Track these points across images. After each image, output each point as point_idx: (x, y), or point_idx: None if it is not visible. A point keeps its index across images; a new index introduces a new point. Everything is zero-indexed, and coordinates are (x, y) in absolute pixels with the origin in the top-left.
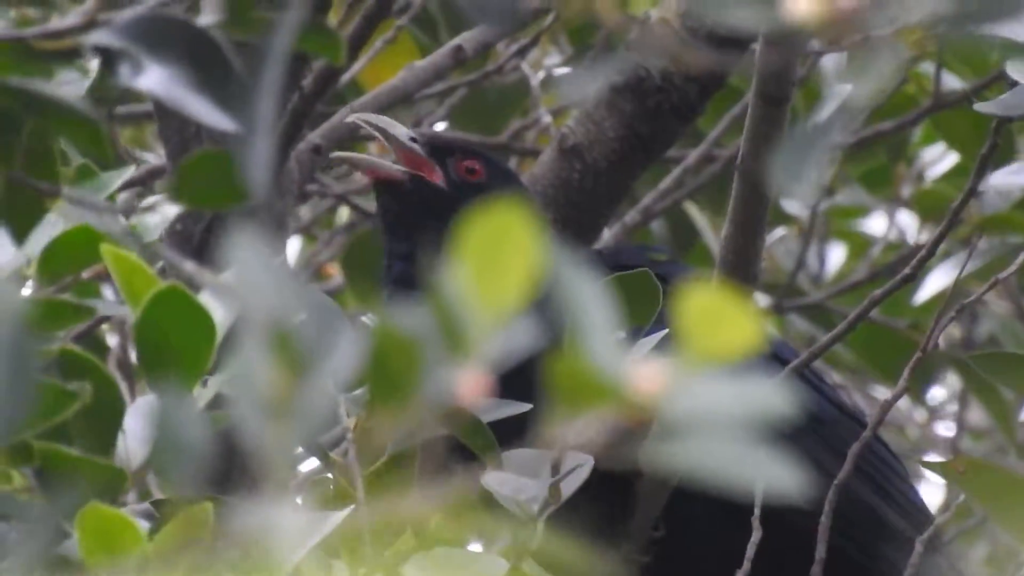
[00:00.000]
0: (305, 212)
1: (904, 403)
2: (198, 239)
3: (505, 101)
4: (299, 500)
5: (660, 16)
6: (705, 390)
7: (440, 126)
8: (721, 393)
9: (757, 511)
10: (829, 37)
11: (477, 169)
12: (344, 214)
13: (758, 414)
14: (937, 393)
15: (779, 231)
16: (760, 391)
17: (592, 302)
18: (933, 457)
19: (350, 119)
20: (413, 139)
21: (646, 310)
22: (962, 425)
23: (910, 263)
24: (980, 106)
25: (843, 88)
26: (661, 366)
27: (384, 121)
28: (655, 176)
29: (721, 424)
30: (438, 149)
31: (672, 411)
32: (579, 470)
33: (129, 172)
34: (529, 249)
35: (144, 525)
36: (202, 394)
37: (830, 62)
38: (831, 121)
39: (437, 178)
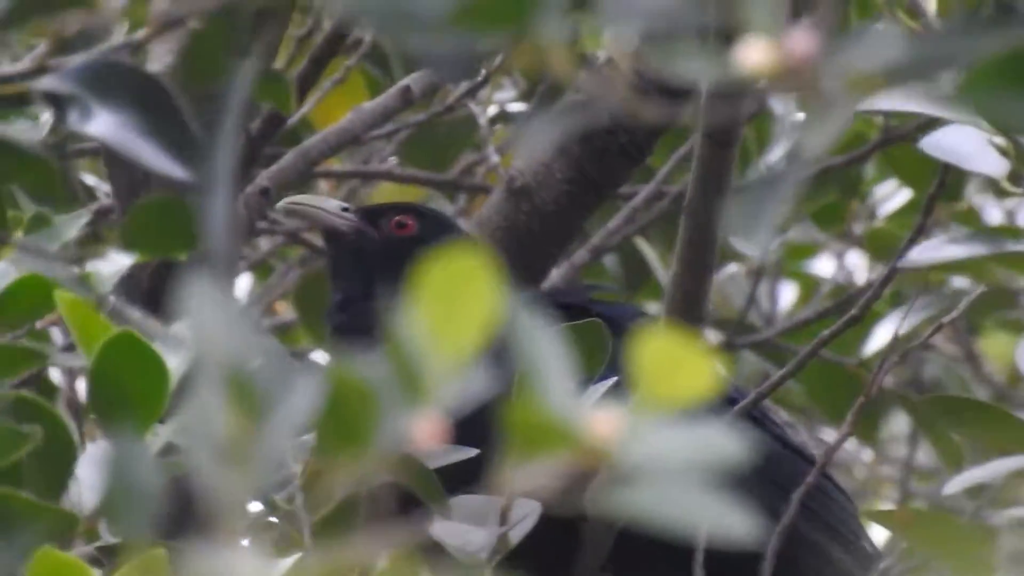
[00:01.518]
0: (259, 248)
1: (852, 443)
2: (147, 284)
3: (455, 137)
4: (246, 545)
5: (610, 63)
6: (659, 436)
7: (391, 162)
8: (674, 439)
9: (700, 555)
10: (781, 87)
11: (408, 223)
12: (296, 251)
13: (710, 460)
14: (887, 434)
15: (730, 268)
16: (713, 437)
17: (546, 347)
18: (880, 505)
19: (279, 207)
20: (345, 209)
21: (596, 358)
22: (911, 466)
23: (857, 302)
24: (925, 144)
25: (794, 132)
26: (616, 412)
27: (313, 201)
28: (605, 214)
29: (674, 470)
30: (370, 213)
31: (626, 457)
32: (527, 518)
33: (83, 220)
34: (486, 295)
35: (95, 572)
36: (155, 440)
37: (779, 101)
38: (784, 171)
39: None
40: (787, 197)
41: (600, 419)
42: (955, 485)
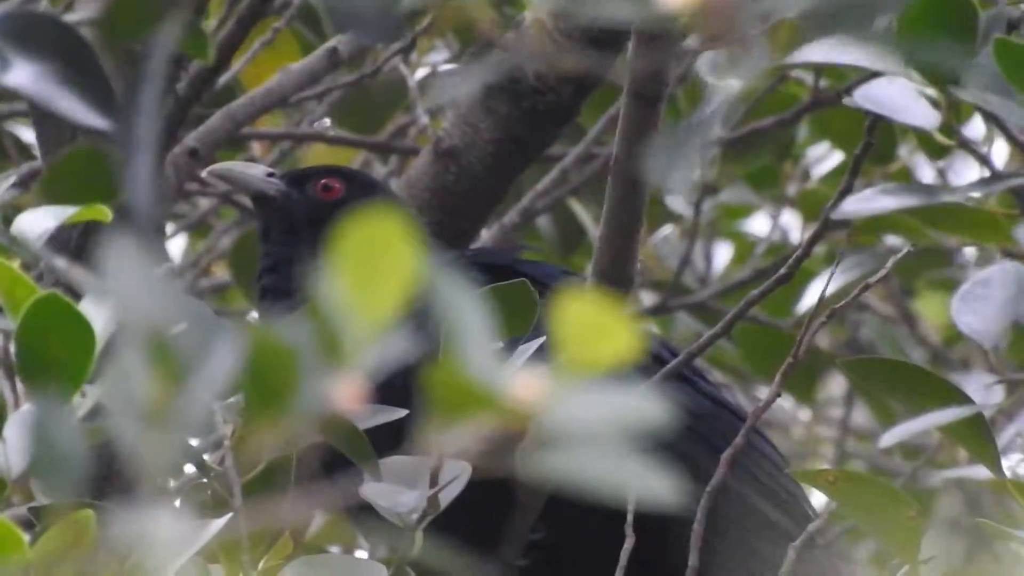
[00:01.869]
0: (198, 208)
1: (789, 403)
2: (75, 243)
3: (386, 99)
4: (177, 506)
5: (534, 18)
6: (581, 399)
7: (324, 123)
8: (597, 402)
9: (630, 518)
10: (702, 30)
11: (335, 186)
12: (231, 213)
13: (634, 422)
14: (823, 395)
15: (664, 229)
16: (636, 400)
17: (468, 310)
18: (817, 466)
19: (204, 175)
20: (271, 174)
21: (522, 319)
22: (847, 427)
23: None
24: (849, 101)
25: (717, 85)
26: (538, 375)
27: (238, 167)
28: (535, 175)
29: (597, 433)
30: (297, 177)
31: (549, 420)
32: (457, 479)
33: (8, 182)
34: (405, 258)
35: (24, 533)
36: (82, 403)
37: (705, 60)
38: (705, 117)
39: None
40: (707, 142)
41: (523, 382)
42: (889, 439)
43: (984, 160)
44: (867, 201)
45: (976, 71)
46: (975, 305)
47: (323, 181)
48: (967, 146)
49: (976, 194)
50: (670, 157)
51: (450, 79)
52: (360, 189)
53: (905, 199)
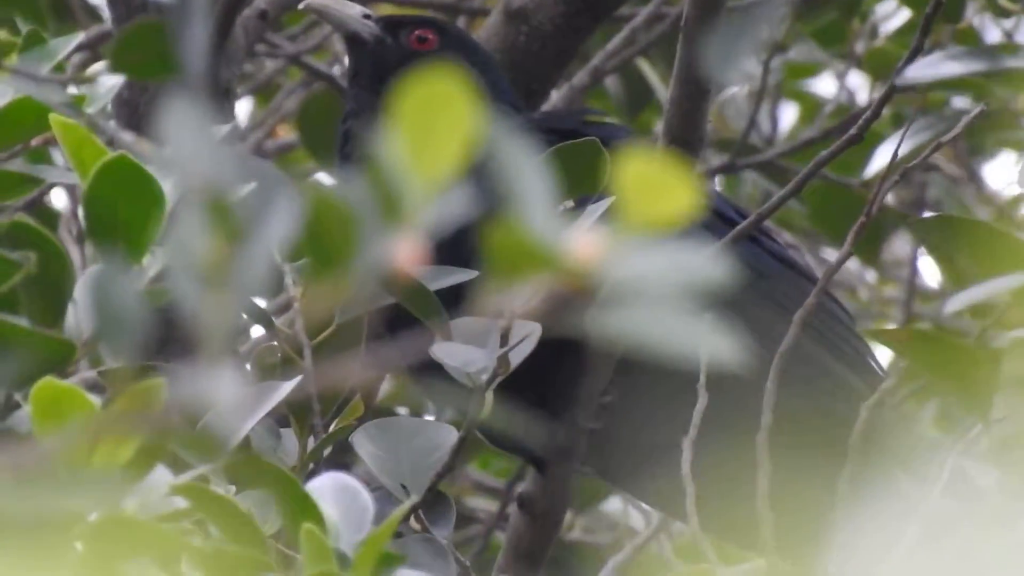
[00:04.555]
0: (263, 69)
1: (855, 264)
2: (143, 109)
3: None
4: (244, 368)
5: None
6: (643, 257)
7: None
8: (659, 260)
9: (703, 378)
10: None
11: (430, 38)
12: (297, 73)
13: (697, 280)
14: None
15: (730, 89)
16: (697, 257)
17: (528, 170)
18: (884, 326)
19: (301, 7)
20: (367, 16)
21: (592, 180)
22: (914, 286)
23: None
24: None
25: None
26: (598, 233)
27: (336, 3)
28: (604, 36)
29: (660, 291)
30: (392, 25)
31: (610, 279)
32: (527, 339)
33: (76, 41)
34: (464, 116)
35: (95, 398)
36: (151, 264)
37: None
38: (764, 8)
39: None
40: (765, 30)
41: (582, 241)
42: (956, 303)
43: None
44: (933, 67)
45: None
46: None
47: (418, 32)
48: None
49: None
50: (728, 49)
51: None
52: (453, 43)
53: (970, 64)
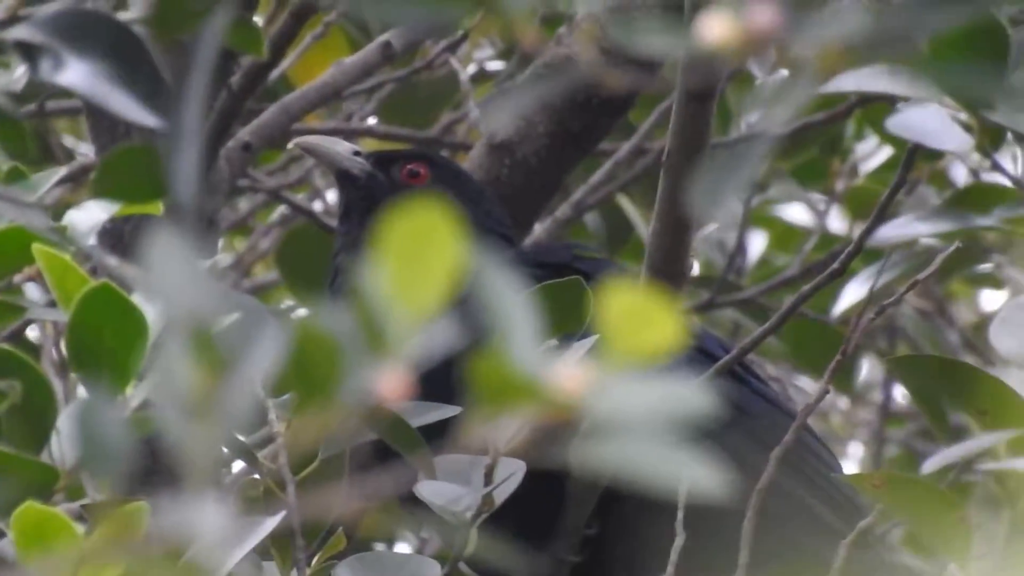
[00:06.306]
0: (240, 207)
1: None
2: (127, 238)
3: (436, 95)
4: (227, 501)
5: (577, 34)
6: (627, 390)
7: (370, 120)
8: (643, 393)
9: (680, 514)
10: (746, 59)
11: (421, 172)
12: (270, 213)
13: (680, 413)
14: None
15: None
16: (681, 390)
17: (513, 302)
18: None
19: (291, 146)
20: (357, 153)
21: (577, 317)
22: (888, 410)
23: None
24: (891, 125)
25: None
26: (583, 366)
27: (327, 142)
28: (587, 170)
29: (643, 424)
30: (383, 160)
31: (595, 411)
32: (512, 477)
33: (60, 174)
34: (450, 248)
35: (78, 526)
36: (134, 395)
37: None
38: (751, 142)
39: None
40: (750, 170)
41: (567, 373)
42: (933, 464)
43: (1018, 184)
44: (903, 228)
45: (1008, 94)
46: (1014, 328)
47: (409, 167)
48: (1000, 169)
49: (1010, 217)
50: (713, 186)
51: (505, 97)
52: (445, 176)
53: (938, 225)
